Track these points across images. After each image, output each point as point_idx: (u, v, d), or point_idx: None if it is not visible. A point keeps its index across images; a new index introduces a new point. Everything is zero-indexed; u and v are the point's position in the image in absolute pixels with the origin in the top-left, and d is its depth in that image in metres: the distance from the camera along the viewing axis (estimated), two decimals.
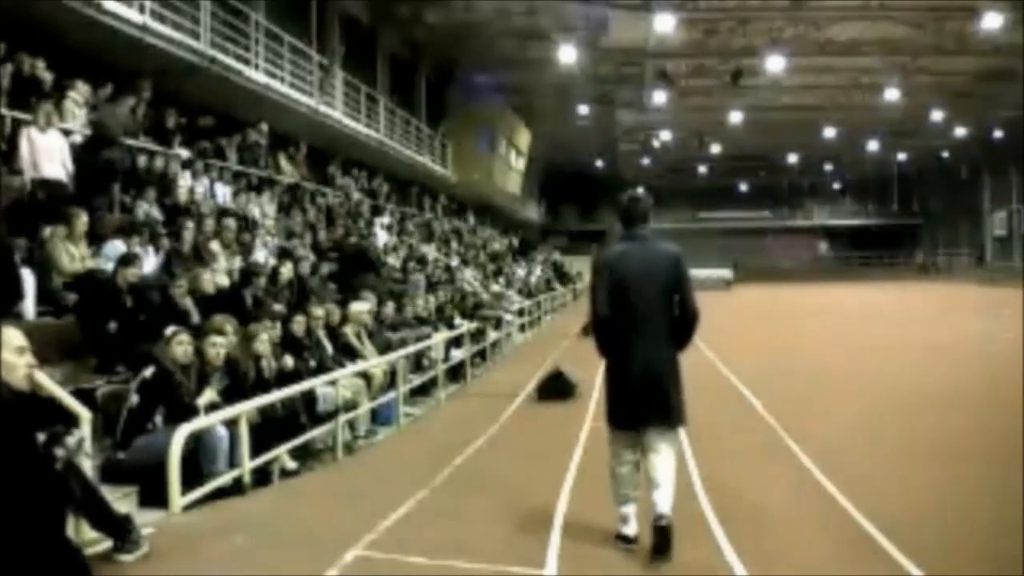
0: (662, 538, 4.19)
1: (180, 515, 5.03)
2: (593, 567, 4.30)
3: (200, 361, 6.35)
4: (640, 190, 5.08)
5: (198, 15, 13.27)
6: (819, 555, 4.45)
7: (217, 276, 8.72)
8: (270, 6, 16.83)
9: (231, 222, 10.43)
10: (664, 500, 4.31)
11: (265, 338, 7.28)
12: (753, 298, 32.90)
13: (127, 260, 7.39)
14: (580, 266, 42.12)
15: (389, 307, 11.45)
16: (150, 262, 8.39)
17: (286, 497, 5.99)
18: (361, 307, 10.01)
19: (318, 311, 8.91)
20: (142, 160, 10.82)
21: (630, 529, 4.47)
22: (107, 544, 4.31)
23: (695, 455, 6.79)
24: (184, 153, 11.89)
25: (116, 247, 8.11)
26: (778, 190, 57.78)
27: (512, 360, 14.75)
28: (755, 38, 26.04)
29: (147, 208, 9.68)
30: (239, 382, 6.61)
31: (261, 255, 10.85)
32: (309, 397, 7.24)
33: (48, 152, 8.50)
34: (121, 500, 5.53)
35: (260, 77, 15.30)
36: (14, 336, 3.61)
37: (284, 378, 7.25)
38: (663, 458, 4.43)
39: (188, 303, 7.68)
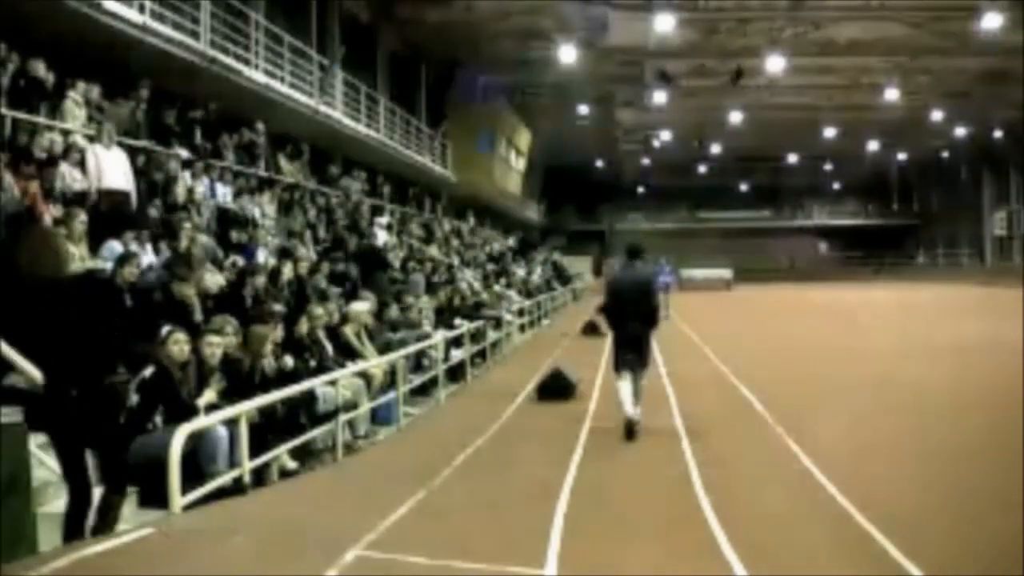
0: (632, 430, 7.63)
1: (180, 515, 5.02)
2: (593, 567, 4.30)
3: (199, 361, 6.35)
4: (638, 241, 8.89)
5: (198, 15, 13.27)
6: (819, 555, 4.45)
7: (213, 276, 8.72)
8: (270, 6, 16.85)
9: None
10: (638, 413, 7.78)
11: (270, 339, 7.30)
12: (753, 298, 32.90)
13: (125, 260, 7.40)
14: (580, 266, 42.15)
15: (393, 308, 11.47)
16: (147, 261, 8.37)
17: (286, 497, 5.99)
18: (361, 307, 10.01)
19: (318, 311, 8.90)
20: (142, 160, 10.83)
21: (630, 412, 7.73)
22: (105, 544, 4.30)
23: (695, 455, 6.80)
24: (184, 153, 11.90)
25: (114, 247, 8.12)
26: (778, 190, 57.78)
27: (512, 360, 14.75)
28: (755, 38, 26.04)
29: (146, 207, 9.69)
30: (239, 382, 6.60)
31: (261, 255, 10.85)
32: (309, 397, 7.23)
33: (113, 166, 9.35)
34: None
35: (260, 77, 15.29)
36: None
37: (284, 378, 7.25)
38: (641, 387, 8.00)
39: (195, 302, 7.68)
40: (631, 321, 7.98)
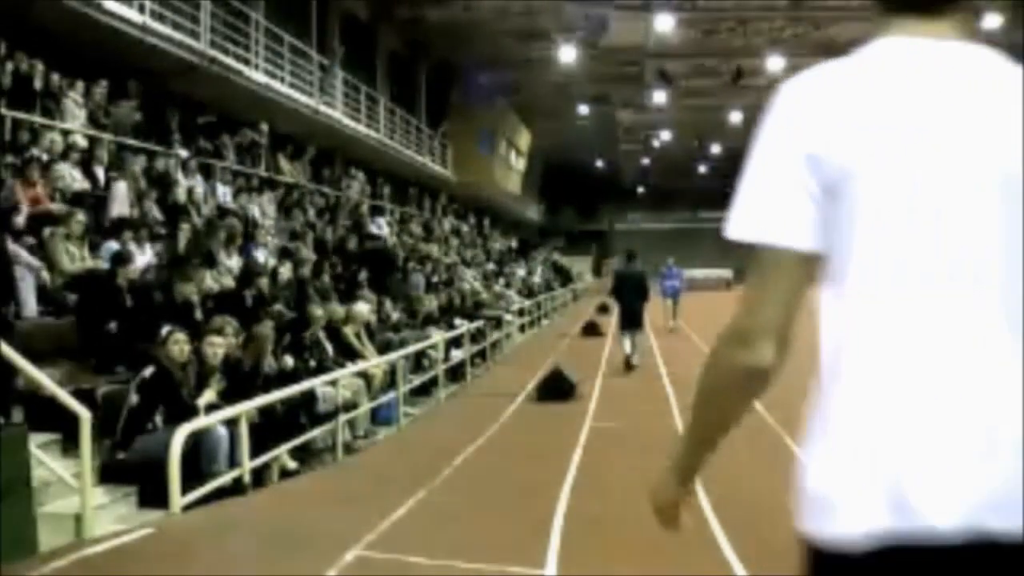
0: (630, 365, 12.29)
1: (180, 515, 5.02)
2: (593, 567, 4.30)
3: (199, 361, 6.36)
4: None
5: (198, 15, 13.26)
6: None
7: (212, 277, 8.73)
8: (270, 6, 16.82)
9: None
10: (636, 356, 12.47)
11: (272, 339, 7.31)
12: None
13: (121, 259, 7.39)
14: (580, 266, 42.11)
15: (398, 309, 11.52)
16: (144, 260, 8.36)
17: (286, 497, 5.99)
18: (362, 307, 10.01)
19: (318, 312, 8.90)
20: (142, 160, 10.83)
21: (628, 351, 12.37)
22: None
23: None
24: (184, 153, 11.90)
25: (113, 247, 8.12)
26: None
27: (512, 360, 14.74)
28: (755, 38, 26.02)
29: (147, 207, 9.68)
30: (239, 382, 6.60)
31: (261, 255, 10.84)
32: (309, 397, 7.23)
33: None
34: (121, 500, 5.54)
35: (260, 77, 15.29)
36: None
37: (284, 378, 7.25)
38: (639, 340, 12.89)
39: (196, 301, 7.67)
40: (631, 301, 12.41)
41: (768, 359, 1.14)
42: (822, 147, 1.10)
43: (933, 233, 1.06)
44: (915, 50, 1.15)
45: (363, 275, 12.12)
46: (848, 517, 1.03)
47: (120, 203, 8.99)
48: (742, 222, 1.16)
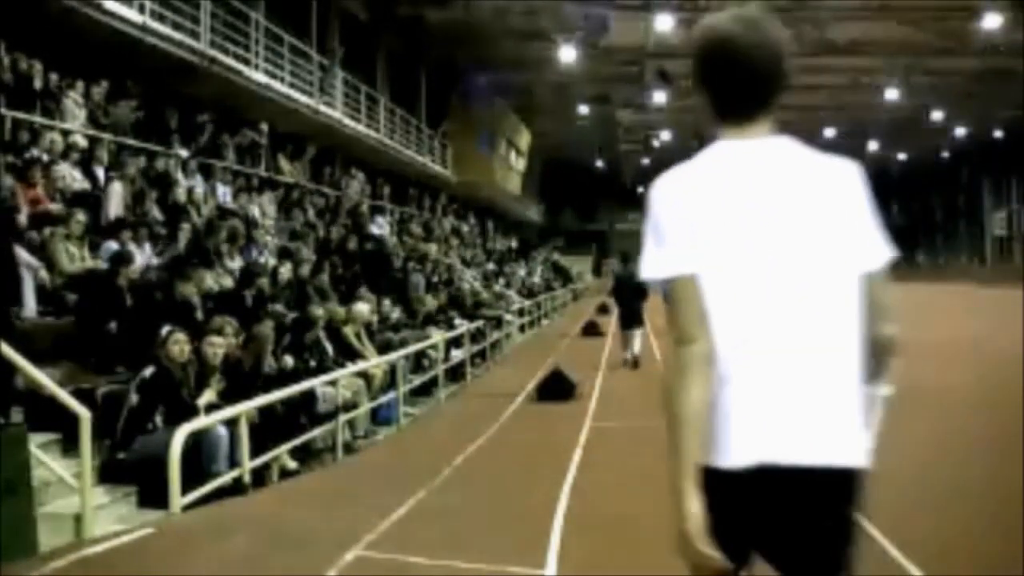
0: (635, 363, 12.47)
1: (180, 515, 5.02)
2: (593, 567, 4.30)
3: (199, 361, 6.36)
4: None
5: (198, 15, 13.26)
6: None
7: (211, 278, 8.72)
8: (270, 6, 16.82)
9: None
10: (636, 350, 12.60)
11: (272, 338, 7.31)
12: None
13: (121, 259, 7.39)
14: (579, 266, 42.12)
15: (397, 309, 11.53)
16: (144, 259, 8.36)
17: (286, 497, 5.98)
18: (362, 307, 10.01)
19: (318, 312, 8.90)
20: (142, 160, 10.83)
21: (628, 355, 12.60)
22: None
23: None
24: (184, 153, 11.90)
25: (112, 247, 8.12)
26: None
27: (512, 360, 14.74)
28: None
29: (147, 207, 9.68)
30: (239, 382, 6.60)
31: (261, 256, 10.84)
32: (309, 397, 7.23)
33: None
34: (121, 500, 5.54)
35: (260, 77, 15.29)
36: None
37: (284, 378, 7.25)
38: (637, 337, 12.78)
39: (197, 301, 7.67)
40: (630, 302, 12.65)
41: (709, 346, 1.57)
42: (686, 240, 1.60)
43: (777, 305, 1.59)
44: (740, 151, 1.67)
45: (363, 275, 12.12)
46: (736, 455, 1.58)
47: (116, 203, 8.99)
48: (652, 269, 1.65)
